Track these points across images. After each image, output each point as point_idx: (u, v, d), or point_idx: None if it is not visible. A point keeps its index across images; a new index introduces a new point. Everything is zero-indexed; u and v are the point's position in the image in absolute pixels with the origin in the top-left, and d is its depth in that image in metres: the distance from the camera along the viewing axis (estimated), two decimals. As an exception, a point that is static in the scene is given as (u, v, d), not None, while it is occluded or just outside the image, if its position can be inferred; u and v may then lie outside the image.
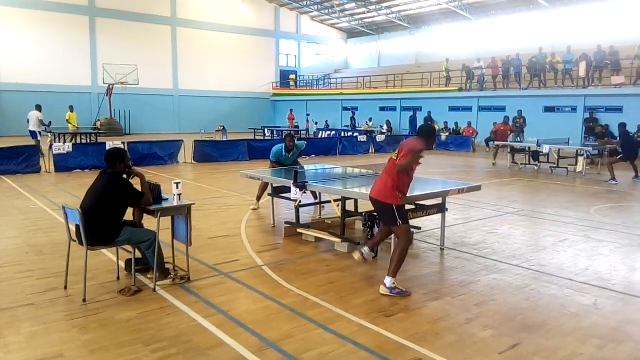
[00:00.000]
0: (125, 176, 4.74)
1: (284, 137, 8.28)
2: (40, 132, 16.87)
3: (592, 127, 20.04)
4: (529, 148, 15.06)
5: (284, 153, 8.29)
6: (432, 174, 14.01)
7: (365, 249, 4.96)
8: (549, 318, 4.16)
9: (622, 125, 13.66)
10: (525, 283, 5.01)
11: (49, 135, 18.27)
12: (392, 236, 5.04)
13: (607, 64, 21.06)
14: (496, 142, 17.58)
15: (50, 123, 18.63)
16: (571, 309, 4.35)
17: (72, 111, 21.71)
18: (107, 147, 13.57)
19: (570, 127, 20.88)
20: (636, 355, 3.54)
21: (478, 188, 6.47)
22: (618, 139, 14.99)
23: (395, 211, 4.66)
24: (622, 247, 6.40)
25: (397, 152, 4.77)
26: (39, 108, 17.13)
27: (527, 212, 8.63)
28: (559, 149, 14.42)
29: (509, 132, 18.90)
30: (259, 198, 8.41)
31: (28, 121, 17.02)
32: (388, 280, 4.64)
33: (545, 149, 14.19)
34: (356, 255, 4.97)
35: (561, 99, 22.11)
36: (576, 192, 11.17)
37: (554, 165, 14.41)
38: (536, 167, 14.87)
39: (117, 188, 4.56)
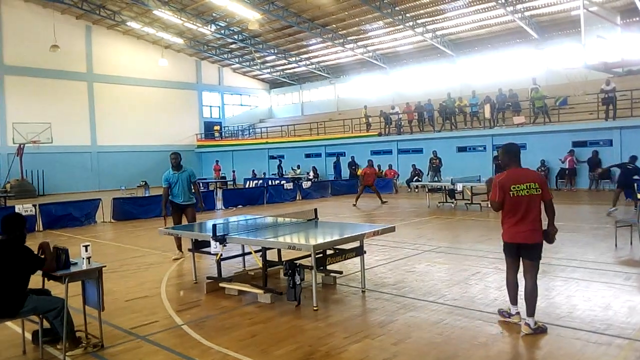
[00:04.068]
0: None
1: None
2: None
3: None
4: (445, 187, 15.91)
5: (171, 172, 8.85)
6: (358, 217, 14.38)
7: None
8: (460, 350, 4.38)
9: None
10: (440, 318, 5.25)
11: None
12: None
13: (508, 105, 23.00)
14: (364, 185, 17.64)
15: None
16: (480, 339, 4.61)
17: None
18: (16, 210, 12.82)
19: (482, 164, 22.36)
20: (538, 378, 3.79)
21: (392, 229, 6.74)
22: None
23: None
24: (527, 276, 6.86)
25: (529, 186, 4.68)
26: None
27: (443, 249, 9.07)
28: (472, 186, 15.35)
29: (375, 175, 18.90)
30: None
31: None
32: (532, 321, 4.64)
33: (459, 187, 15.06)
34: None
35: (471, 139, 23.73)
36: (489, 226, 11.87)
37: (469, 202, 15.28)
38: (452, 205, 15.69)
39: (16, 256, 4.34)
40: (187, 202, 8.90)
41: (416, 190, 22.38)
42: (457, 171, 19.40)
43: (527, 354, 4.25)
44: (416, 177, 23.32)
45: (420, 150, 25.48)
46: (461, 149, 24.28)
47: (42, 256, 4.52)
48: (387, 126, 27.00)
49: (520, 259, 4.91)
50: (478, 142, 23.61)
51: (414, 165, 24.07)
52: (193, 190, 9.04)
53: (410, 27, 27.14)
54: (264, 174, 31.75)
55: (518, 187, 4.72)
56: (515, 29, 25.87)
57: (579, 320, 5.02)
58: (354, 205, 17.11)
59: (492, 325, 4.96)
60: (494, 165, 22.17)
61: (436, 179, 20.97)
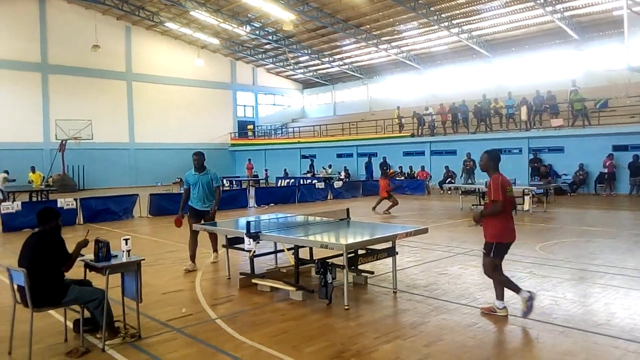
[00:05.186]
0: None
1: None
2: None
3: (537, 167, 21.11)
4: (479, 189, 15.67)
5: (192, 172, 8.10)
6: (390, 218, 14.32)
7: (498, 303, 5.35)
8: (493, 354, 4.33)
9: None
10: (473, 321, 5.19)
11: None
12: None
13: (546, 107, 22.44)
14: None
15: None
16: (514, 344, 4.54)
17: (33, 172, 21.30)
18: (59, 204, 13.32)
19: (517, 167, 21.84)
20: (573, 385, 3.72)
21: (425, 231, 6.71)
22: None
23: None
24: (563, 282, 6.72)
25: (511, 188, 5.32)
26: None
27: (476, 252, 8.91)
28: (507, 189, 15.05)
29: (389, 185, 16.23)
30: (215, 249, 8.41)
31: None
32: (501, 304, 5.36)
33: (493, 189, 14.77)
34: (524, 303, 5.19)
35: (507, 141, 23.24)
36: (524, 230, 11.62)
37: (503, 205, 14.98)
38: (486, 208, 15.40)
39: (53, 245, 4.53)
40: (207, 208, 8.02)
41: (449, 192, 22.10)
42: (492, 174, 19.04)
43: (563, 360, 4.17)
44: (449, 179, 23.04)
45: (453, 152, 25.15)
46: (496, 152, 23.83)
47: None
48: (420, 127, 26.75)
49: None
50: (514, 144, 23.13)
51: (447, 167, 23.79)
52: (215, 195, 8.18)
53: (445, 27, 26.80)
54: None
55: (510, 189, 5.31)
56: (553, 29, 25.22)
57: (617, 328, 4.89)
58: (386, 212, 15.26)
59: (526, 331, 4.88)
60: (530, 168, 21.73)
61: (469, 181, 20.65)
